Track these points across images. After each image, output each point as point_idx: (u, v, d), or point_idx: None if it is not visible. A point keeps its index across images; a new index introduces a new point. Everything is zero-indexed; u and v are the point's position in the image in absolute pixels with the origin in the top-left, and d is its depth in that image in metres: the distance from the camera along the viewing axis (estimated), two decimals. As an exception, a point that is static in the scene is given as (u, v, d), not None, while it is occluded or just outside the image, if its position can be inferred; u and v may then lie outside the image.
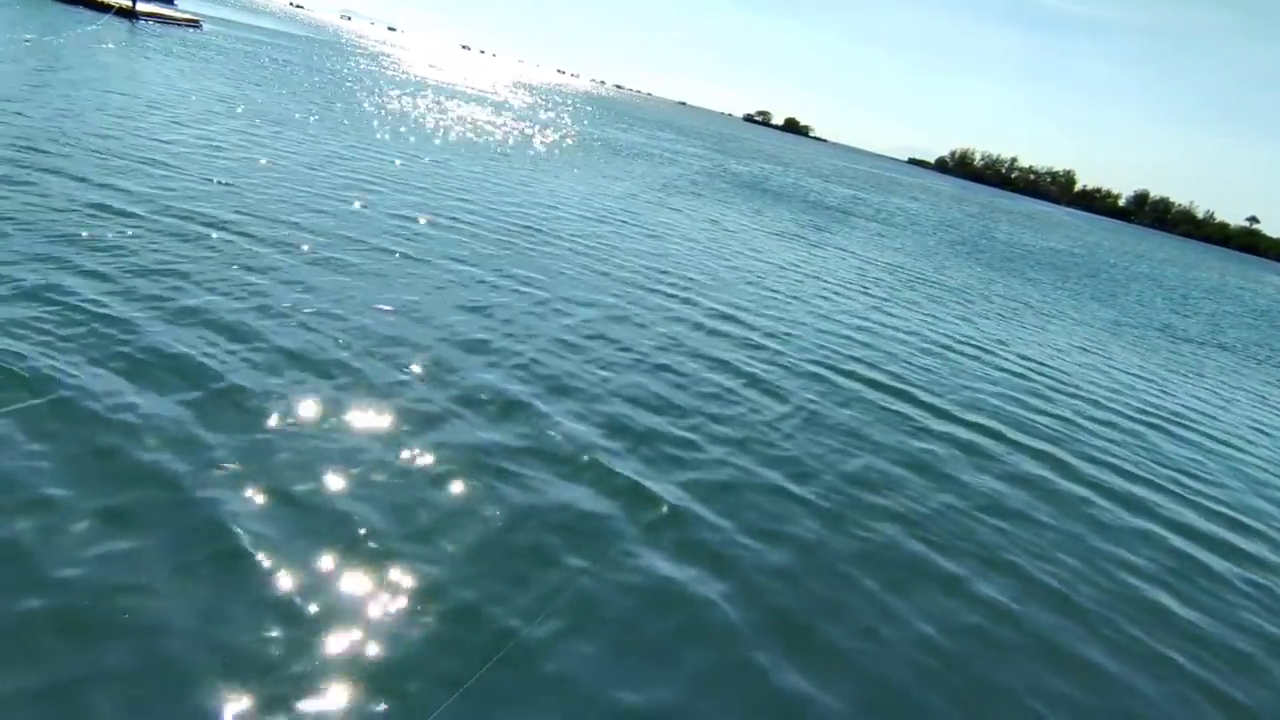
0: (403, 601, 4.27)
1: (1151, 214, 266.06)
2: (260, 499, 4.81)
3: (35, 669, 3.42)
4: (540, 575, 4.73)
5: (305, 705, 3.52)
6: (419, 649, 3.99)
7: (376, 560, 4.52)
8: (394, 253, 10.65)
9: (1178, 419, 12.08)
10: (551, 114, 55.48)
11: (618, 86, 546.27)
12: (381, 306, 8.46)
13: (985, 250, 33.83)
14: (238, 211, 10.72)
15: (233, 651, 3.70)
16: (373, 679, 3.75)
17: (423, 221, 12.87)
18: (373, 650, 3.91)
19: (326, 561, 4.41)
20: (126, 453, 4.94)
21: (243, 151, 14.81)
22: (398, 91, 40.62)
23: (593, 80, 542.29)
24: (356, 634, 3.98)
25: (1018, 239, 46.95)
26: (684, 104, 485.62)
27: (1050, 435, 9.66)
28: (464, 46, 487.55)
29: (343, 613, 4.10)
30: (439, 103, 40.26)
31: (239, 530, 4.49)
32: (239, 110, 20.06)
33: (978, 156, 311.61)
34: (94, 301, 6.89)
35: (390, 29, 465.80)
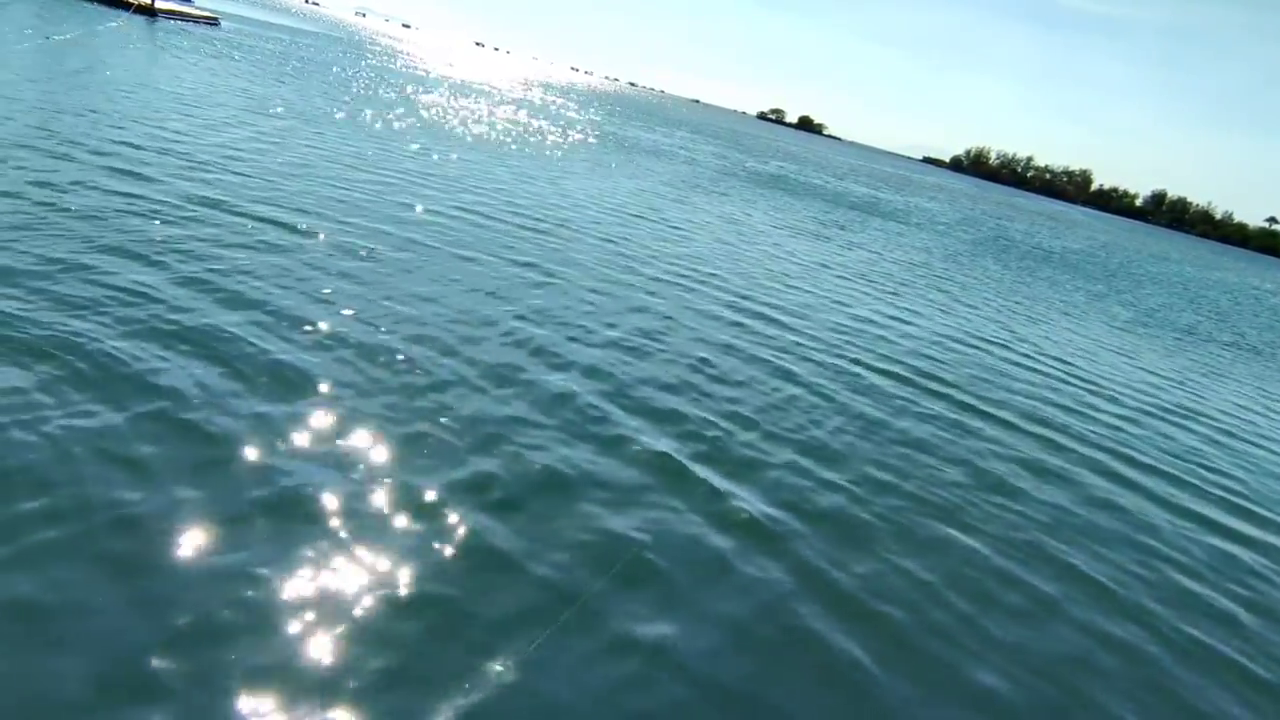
0: (457, 574, 4.31)
1: (1169, 214, 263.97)
2: (308, 474, 4.86)
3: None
4: (586, 558, 4.74)
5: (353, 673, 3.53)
6: (477, 619, 4.02)
7: (426, 532, 4.54)
8: (428, 246, 10.68)
9: (1212, 419, 11.96)
10: (571, 112, 55.41)
11: (631, 84, 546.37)
12: (416, 297, 8.47)
13: (1007, 250, 33.65)
14: (266, 204, 10.76)
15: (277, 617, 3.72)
16: (433, 641, 3.78)
17: (456, 215, 12.88)
18: (432, 615, 3.98)
19: (370, 536, 4.43)
20: (157, 439, 4.97)
21: (271, 147, 14.84)
22: (418, 89, 40.68)
23: (606, 78, 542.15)
24: (411, 601, 4.04)
25: (1037, 239, 46.68)
26: (697, 101, 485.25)
27: (1086, 431, 9.59)
28: (478, 43, 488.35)
29: (390, 582, 4.13)
30: (459, 100, 40.29)
31: (289, 507, 4.56)
32: (264, 107, 20.11)
33: (993, 155, 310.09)
34: (132, 293, 6.92)
35: (405, 26, 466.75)
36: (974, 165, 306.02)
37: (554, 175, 21.12)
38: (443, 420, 6.02)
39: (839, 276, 16.40)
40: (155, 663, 3.44)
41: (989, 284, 21.19)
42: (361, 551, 4.40)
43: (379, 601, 4.08)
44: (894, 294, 15.91)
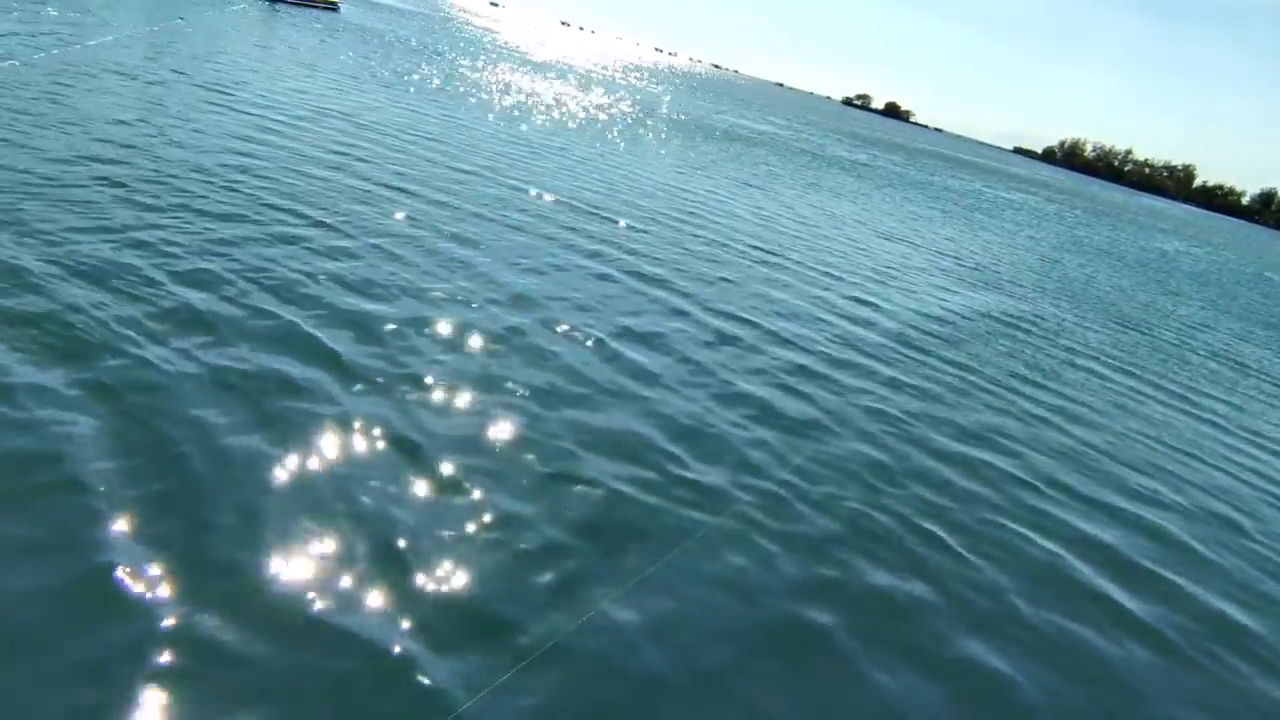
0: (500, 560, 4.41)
1: (1278, 214, 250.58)
2: (366, 454, 5.00)
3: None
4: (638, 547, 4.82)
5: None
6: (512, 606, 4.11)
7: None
8: (535, 232, 11.12)
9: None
10: (671, 98, 54.99)
11: (715, 66, 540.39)
12: (519, 282, 8.84)
13: (1130, 258, 32.57)
14: (377, 182, 11.34)
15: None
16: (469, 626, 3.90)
17: (577, 205, 13.22)
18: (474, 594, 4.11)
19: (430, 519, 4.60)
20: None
21: (405, 124, 15.33)
22: (514, 68, 40.80)
23: (690, 59, 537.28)
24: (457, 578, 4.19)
25: (1154, 243, 45.01)
26: (781, 85, 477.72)
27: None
28: (563, 23, 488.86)
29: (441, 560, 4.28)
30: (558, 83, 40.28)
31: (337, 493, 4.58)
32: (402, 90, 20.73)
33: (1089, 147, 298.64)
34: (276, 263, 7.47)
35: (492, 4, 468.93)
36: (1067, 157, 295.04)
37: (700, 177, 21.14)
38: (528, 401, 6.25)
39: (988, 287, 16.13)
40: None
41: (1116, 294, 20.57)
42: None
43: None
44: (1023, 299, 15.59)
